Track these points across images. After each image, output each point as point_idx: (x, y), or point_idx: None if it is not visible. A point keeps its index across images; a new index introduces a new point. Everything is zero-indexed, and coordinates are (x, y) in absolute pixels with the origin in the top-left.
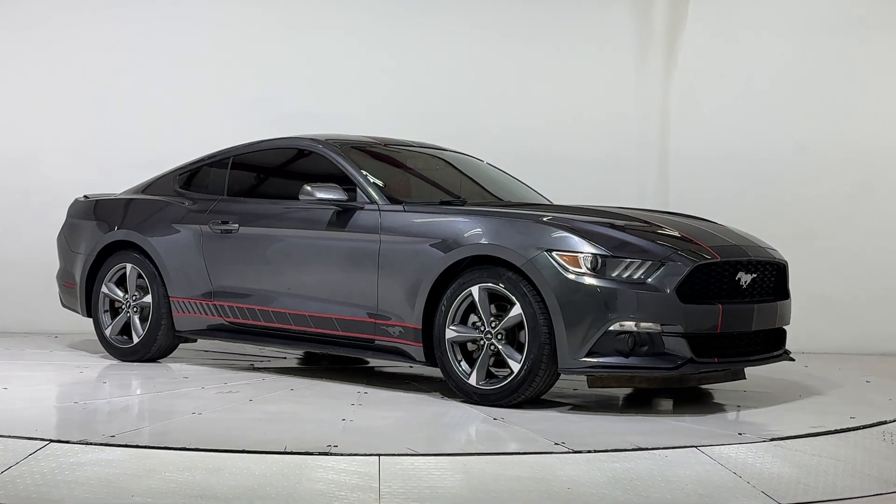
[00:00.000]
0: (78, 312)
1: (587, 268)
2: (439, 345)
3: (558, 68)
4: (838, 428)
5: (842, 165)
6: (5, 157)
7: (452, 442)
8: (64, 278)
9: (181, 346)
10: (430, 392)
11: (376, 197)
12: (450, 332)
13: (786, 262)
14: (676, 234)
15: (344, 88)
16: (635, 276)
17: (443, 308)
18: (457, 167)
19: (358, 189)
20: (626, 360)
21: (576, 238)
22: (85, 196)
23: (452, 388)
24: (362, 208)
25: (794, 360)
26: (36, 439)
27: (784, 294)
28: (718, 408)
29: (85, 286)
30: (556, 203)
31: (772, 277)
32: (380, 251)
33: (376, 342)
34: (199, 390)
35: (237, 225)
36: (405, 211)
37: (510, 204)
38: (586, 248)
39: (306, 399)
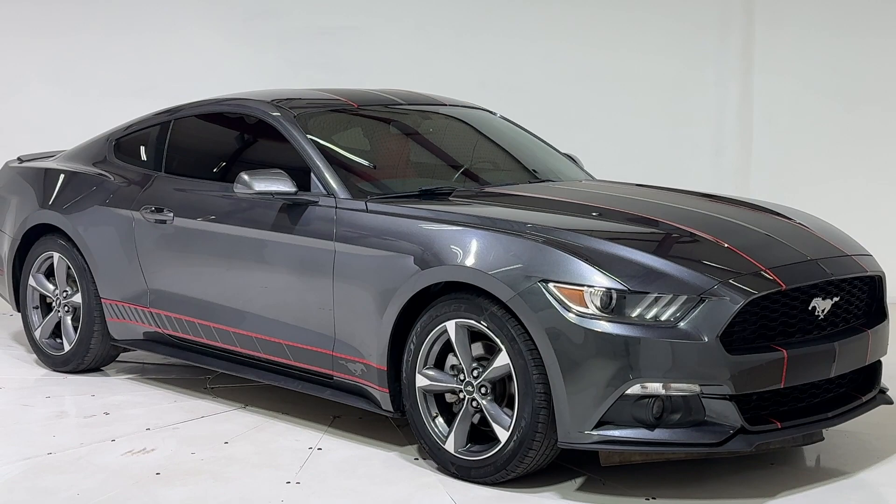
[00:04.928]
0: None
1: (596, 306)
2: (408, 394)
3: None
4: None
5: None
6: None
7: None
8: None
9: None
10: (403, 446)
11: (335, 187)
12: (421, 380)
13: (881, 273)
14: (726, 246)
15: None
16: (663, 318)
17: (411, 346)
18: (460, 128)
19: (312, 175)
20: (651, 432)
21: (582, 264)
22: (19, 159)
23: (426, 452)
24: (316, 203)
25: (892, 402)
26: None
27: (880, 316)
28: (783, 478)
29: (11, 275)
30: (589, 182)
31: (862, 296)
32: (335, 263)
33: (335, 379)
34: (105, 446)
35: (172, 214)
36: (367, 210)
37: (513, 197)
38: (596, 279)
39: (234, 467)
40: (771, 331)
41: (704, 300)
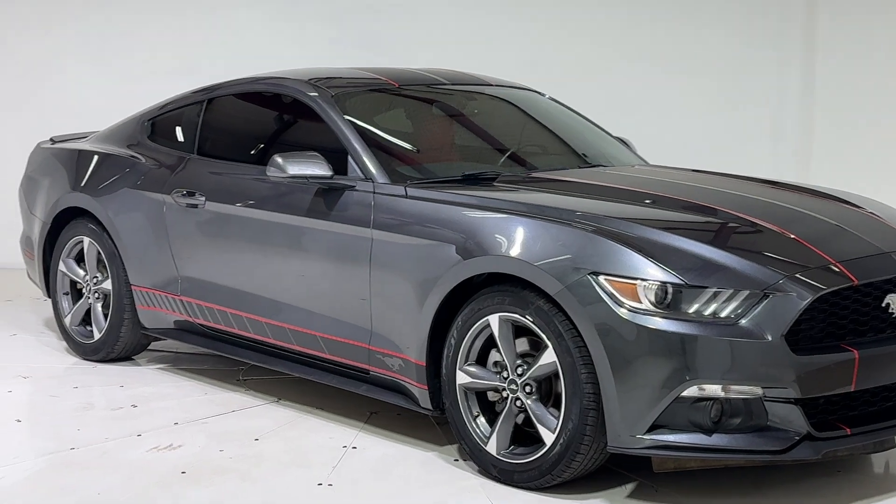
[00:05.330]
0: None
1: (650, 301)
2: (448, 391)
3: None
4: None
5: None
6: (13, 66)
7: None
8: (26, 245)
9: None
10: (442, 445)
11: (373, 171)
12: (461, 376)
13: None
14: (791, 237)
15: None
16: (723, 314)
17: (452, 341)
18: (507, 109)
19: (350, 158)
20: (709, 438)
21: (635, 255)
22: (51, 140)
23: (466, 453)
24: (353, 188)
25: None
26: None
27: None
28: (851, 486)
29: (42, 260)
30: (642, 167)
31: None
32: (372, 251)
33: (372, 374)
34: (131, 441)
35: (203, 198)
36: (406, 196)
37: (561, 183)
38: (651, 272)
39: (263, 466)
40: (841, 329)
41: (768, 296)
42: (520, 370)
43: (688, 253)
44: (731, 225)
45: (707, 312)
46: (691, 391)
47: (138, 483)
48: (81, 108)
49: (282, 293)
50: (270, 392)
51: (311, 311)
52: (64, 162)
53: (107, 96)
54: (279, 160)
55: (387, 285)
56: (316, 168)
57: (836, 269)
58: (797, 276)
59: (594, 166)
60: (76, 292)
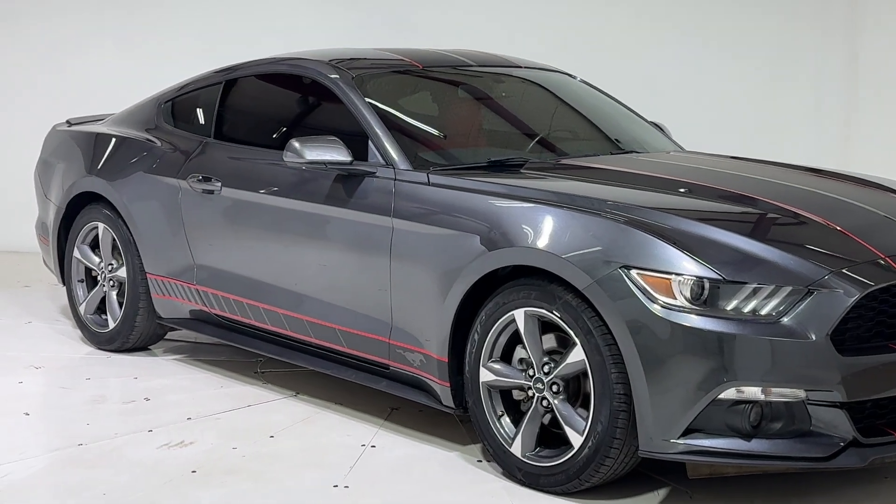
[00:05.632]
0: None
1: (685, 297)
2: (471, 389)
3: None
4: None
5: None
6: (36, 48)
7: None
8: (41, 231)
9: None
10: (465, 445)
11: (394, 157)
12: (485, 374)
13: None
14: (837, 229)
15: None
16: (763, 312)
17: (475, 337)
18: (536, 92)
19: (370, 143)
20: (748, 443)
21: (670, 248)
22: (68, 122)
23: (490, 454)
24: (374, 174)
25: None
26: None
27: None
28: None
29: (56, 245)
30: (678, 153)
31: None
32: (392, 241)
33: (391, 369)
34: (141, 437)
35: (220, 184)
36: (429, 183)
37: (592, 170)
38: (686, 266)
39: (278, 466)
40: (890, 328)
41: (812, 292)
42: (546, 368)
43: (726, 246)
44: (772, 216)
45: (746, 310)
46: (729, 393)
47: (146, 483)
48: (100, 90)
49: (299, 284)
50: (288, 386)
51: (330, 303)
52: (80, 145)
53: (126, 78)
54: (296, 145)
55: (407, 277)
56: (335, 153)
57: (885, 264)
58: (843, 271)
59: (627, 152)
60: (91, 279)
